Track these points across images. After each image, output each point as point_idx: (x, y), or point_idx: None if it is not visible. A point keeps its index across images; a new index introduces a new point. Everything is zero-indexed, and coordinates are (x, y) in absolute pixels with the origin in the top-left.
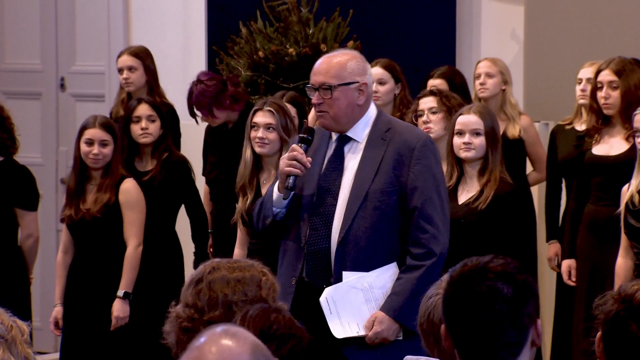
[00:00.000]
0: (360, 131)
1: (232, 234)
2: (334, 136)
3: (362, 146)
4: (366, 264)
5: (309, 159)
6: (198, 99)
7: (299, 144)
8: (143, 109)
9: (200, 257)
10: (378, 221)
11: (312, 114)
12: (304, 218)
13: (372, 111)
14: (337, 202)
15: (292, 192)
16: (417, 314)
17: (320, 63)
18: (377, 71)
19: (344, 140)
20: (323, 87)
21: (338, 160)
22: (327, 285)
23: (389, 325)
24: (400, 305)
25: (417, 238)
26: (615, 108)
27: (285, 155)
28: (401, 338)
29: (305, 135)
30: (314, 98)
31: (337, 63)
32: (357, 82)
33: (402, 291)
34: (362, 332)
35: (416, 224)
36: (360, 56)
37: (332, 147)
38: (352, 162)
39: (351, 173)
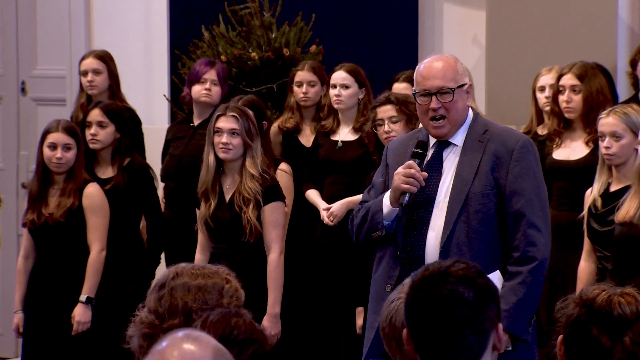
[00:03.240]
0: (460, 135)
1: (188, 233)
2: (432, 140)
3: (459, 150)
4: None
5: (424, 174)
6: (224, 71)
7: (413, 159)
8: (94, 115)
9: (152, 263)
10: (480, 225)
11: (281, 118)
12: (401, 225)
13: (469, 113)
14: (433, 207)
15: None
16: (526, 322)
17: (432, 67)
18: (341, 75)
19: (443, 144)
20: (442, 91)
21: (437, 166)
22: None
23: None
24: (508, 315)
25: (519, 243)
26: (577, 112)
27: (400, 171)
28: (510, 348)
29: (418, 150)
30: (433, 103)
31: (449, 65)
32: (466, 83)
33: (507, 300)
34: None
35: (517, 228)
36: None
37: (430, 151)
38: (450, 166)
39: (450, 178)
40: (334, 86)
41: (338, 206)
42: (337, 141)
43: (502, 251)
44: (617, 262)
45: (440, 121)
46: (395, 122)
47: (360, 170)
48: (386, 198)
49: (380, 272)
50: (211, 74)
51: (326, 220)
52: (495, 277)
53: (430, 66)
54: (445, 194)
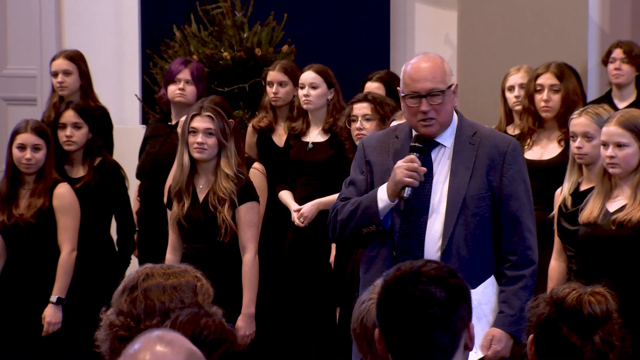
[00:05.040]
0: (449, 136)
1: (161, 231)
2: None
3: (450, 151)
4: (468, 274)
5: (424, 169)
6: (198, 70)
7: (413, 154)
8: (68, 116)
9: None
10: (477, 228)
11: (257, 118)
12: (395, 225)
13: (455, 114)
14: (429, 210)
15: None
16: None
17: (421, 69)
18: (309, 75)
19: (432, 145)
20: (432, 93)
21: (427, 167)
22: None
23: (507, 342)
24: (515, 320)
25: (516, 246)
26: (554, 112)
27: (401, 165)
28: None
29: (417, 144)
30: (424, 105)
31: (438, 66)
32: (453, 83)
33: (511, 305)
34: (479, 353)
35: (514, 231)
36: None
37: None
38: (441, 167)
39: (443, 179)
40: (303, 86)
41: (308, 207)
42: (308, 142)
43: (495, 253)
44: (581, 263)
45: (430, 121)
46: (368, 120)
47: (330, 172)
48: (382, 192)
49: (374, 272)
50: (185, 74)
51: (297, 221)
52: (493, 282)
53: (419, 67)
54: (440, 196)
